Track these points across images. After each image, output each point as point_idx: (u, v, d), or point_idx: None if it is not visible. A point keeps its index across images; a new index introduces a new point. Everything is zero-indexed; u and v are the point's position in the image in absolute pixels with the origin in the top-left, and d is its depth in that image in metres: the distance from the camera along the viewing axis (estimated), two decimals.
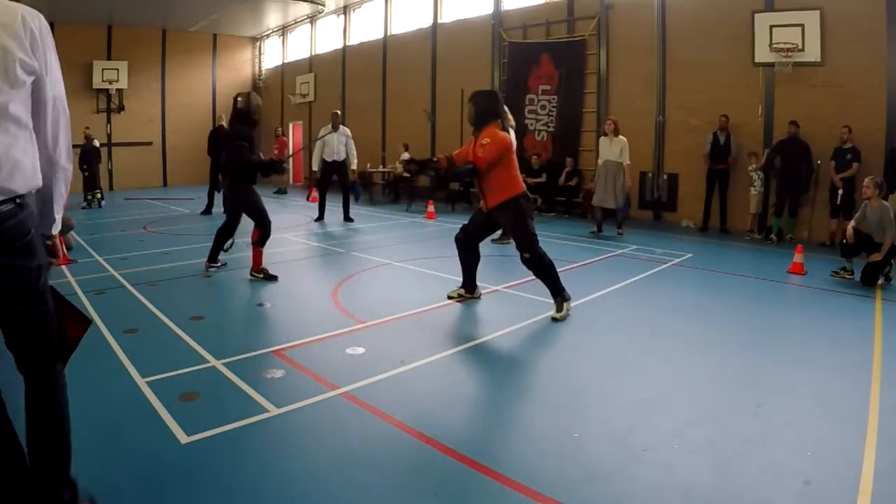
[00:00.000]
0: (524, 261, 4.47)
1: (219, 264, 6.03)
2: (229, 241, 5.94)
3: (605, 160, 8.21)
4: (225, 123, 11.07)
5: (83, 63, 16.10)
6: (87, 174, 11.99)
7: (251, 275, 5.64)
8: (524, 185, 4.57)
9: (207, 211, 10.87)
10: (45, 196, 1.80)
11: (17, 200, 1.63)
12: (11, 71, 1.54)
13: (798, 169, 8.16)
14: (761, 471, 2.36)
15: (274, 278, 5.58)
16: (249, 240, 5.68)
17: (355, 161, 10.18)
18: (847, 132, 7.72)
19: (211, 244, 6.01)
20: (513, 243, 7.67)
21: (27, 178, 1.64)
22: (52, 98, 1.70)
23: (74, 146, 11.63)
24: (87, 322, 2.00)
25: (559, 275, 4.50)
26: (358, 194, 9.48)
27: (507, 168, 4.47)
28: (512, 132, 7.73)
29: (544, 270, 4.46)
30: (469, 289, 4.88)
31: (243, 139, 5.44)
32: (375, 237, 8.42)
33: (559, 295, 4.45)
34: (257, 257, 5.65)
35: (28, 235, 1.66)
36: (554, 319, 4.34)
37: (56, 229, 1.88)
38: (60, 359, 1.89)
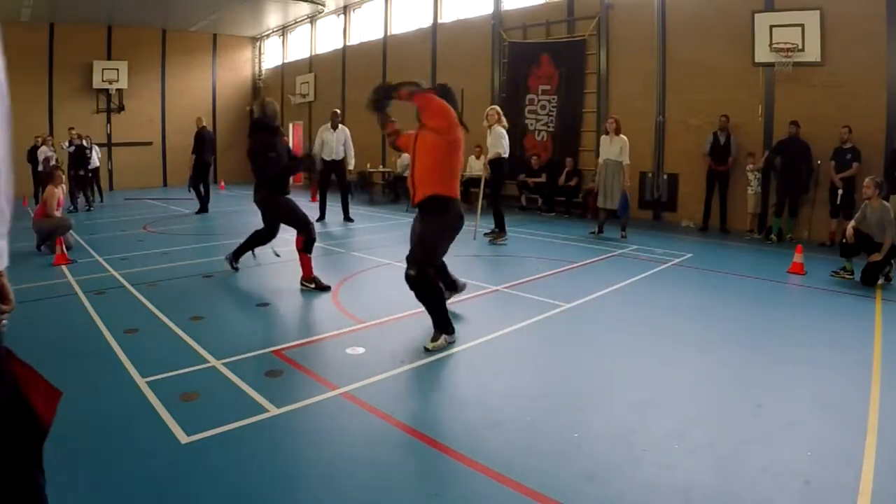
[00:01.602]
0: (407, 277, 3.82)
1: (237, 267, 5.86)
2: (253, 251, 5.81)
3: (605, 159, 8.19)
4: (206, 125, 11.19)
5: (83, 63, 16.09)
6: (83, 175, 11.97)
7: (302, 284, 5.30)
8: (459, 196, 3.96)
9: (203, 209, 10.89)
10: None
11: None
12: None
13: (798, 169, 8.16)
14: (761, 471, 2.36)
15: (327, 288, 5.21)
16: (294, 248, 5.39)
17: (352, 161, 10.16)
18: (847, 132, 7.72)
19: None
20: (506, 242, 7.28)
21: None
22: None
23: (70, 144, 11.85)
24: (58, 394, 1.46)
25: (447, 307, 3.95)
26: (352, 193, 9.46)
27: (447, 166, 3.84)
28: (505, 138, 7.60)
29: (429, 295, 3.85)
30: (450, 288, 4.59)
31: (270, 150, 5.18)
32: (375, 237, 8.42)
33: (440, 327, 3.86)
34: (306, 265, 5.31)
35: None
36: (426, 349, 3.76)
37: (1, 262, 1.25)
38: (34, 465, 1.31)
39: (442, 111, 3.76)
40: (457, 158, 3.90)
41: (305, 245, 5.29)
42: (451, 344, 3.85)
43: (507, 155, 7.79)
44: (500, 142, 7.65)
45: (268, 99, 5.63)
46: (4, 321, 1.34)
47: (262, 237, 5.71)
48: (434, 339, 3.82)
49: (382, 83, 4.05)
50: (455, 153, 3.86)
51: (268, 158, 5.18)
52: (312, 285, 5.26)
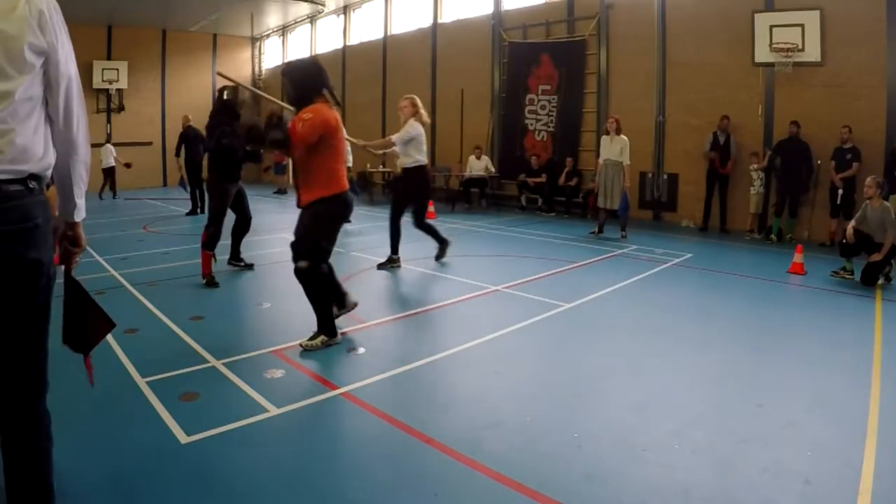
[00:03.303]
0: (295, 271, 3.73)
1: (242, 264, 5.95)
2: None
3: (606, 159, 8.18)
4: (193, 123, 11.00)
5: (83, 63, 15.94)
6: None
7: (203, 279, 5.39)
8: (346, 185, 3.75)
9: (193, 212, 10.83)
10: (63, 179, 1.70)
11: (30, 184, 1.54)
12: (17, 55, 1.49)
13: (798, 169, 8.17)
14: (761, 471, 2.36)
15: (216, 285, 5.27)
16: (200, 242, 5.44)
17: (351, 159, 10.00)
18: (847, 132, 7.73)
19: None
20: (397, 267, 6.05)
21: (38, 160, 1.57)
22: (64, 77, 1.61)
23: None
24: (111, 325, 2.01)
25: (332, 309, 3.82)
26: (357, 192, 9.32)
27: (328, 159, 3.60)
28: (415, 137, 5.83)
29: (315, 291, 3.71)
30: (339, 304, 4.09)
31: (220, 129, 5.31)
32: (375, 237, 8.40)
33: (322, 327, 3.72)
34: (203, 261, 5.33)
35: (30, 222, 1.53)
36: (301, 346, 3.68)
37: (79, 215, 1.77)
38: (42, 396, 1.68)
39: (315, 127, 3.50)
40: (337, 151, 3.68)
41: (207, 241, 5.33)
42: (327, 346, 3.69)
43: (424, 160, 6.02)
44: (409, 142, 5.88)
45: (242, 87, 5.72)
46: (77, 259, 1.87)
47: (241, 227, 5.79)
48: (311, 339, 3.69)
49: (256, 128, 3.59)
50: (335, 148, 3.65)
51: (212, 136, 5.32)
52: (204, 281, 5.31)
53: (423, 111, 5.95)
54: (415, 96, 6.09)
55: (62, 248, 1.81)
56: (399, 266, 6.11)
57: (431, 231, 6.28)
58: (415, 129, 5.84)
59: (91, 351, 1.96)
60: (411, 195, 6.11)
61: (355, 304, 4.17)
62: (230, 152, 5.38)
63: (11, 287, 1.53)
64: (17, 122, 1.50)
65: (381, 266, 6.07)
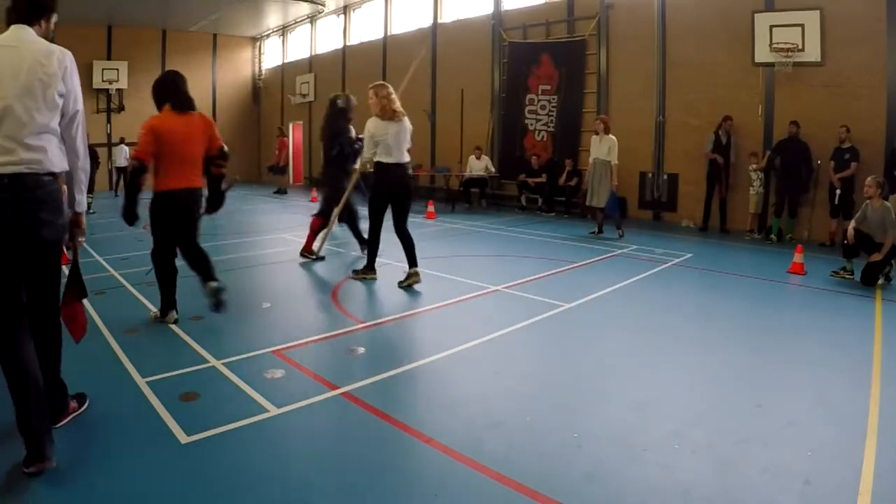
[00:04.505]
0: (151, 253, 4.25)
1: (315, 256, 6.54)
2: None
3: (594, 158, 8.27)
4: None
5: (83, 63, 15.93)
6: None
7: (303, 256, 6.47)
8: (176, 185, 3.96)
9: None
10: (69, 179, 2.50)
11: (57, 178, 2.36)
12: (50, 98, 2.27)
13: (798, 169, 8.17)
14: (761, 471, 2.36)
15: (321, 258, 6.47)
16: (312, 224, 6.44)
17: (359, 160, 9.87)
18: (845, 132, 7.73)
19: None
20: (374, 277, 5.58)
21: (58, 164, 2.36)
22: (73, 110, 2.40)
23: None
24: (83, 294, 2.93)
25: (174, 291, 4.21)
26: (365, 193, 9.15)
27: (158, 161, 3.93)
28: (373, 127, 5.15)
29: (159, 277, 4.19)
30: (166, 309, 4.26)
31: (346, 133, 6.33)
32: None
33: (164, 309, 4.18)
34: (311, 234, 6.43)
35: (59, 200, 2.37)
36: (154, 317, 4.23)
37: (80, 207, 2.60)
38: (58, 304, 2.58)
39: (144, 143, 3.91)
40: (169, 155, 3.93)
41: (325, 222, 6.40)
42: (161, 321, 4.17)
43: (384, 159, 5.18)
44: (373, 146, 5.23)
45: (351, 95, 6.56)
46: (81, 240, 2.75)
47: (351, 218, 6.56)
48: (157, 312, 4.25)
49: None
50: (165, 151, 3.92)
51: (348, 140, 6.29)
52: (313, 257, 6.43)
53: (386, 100, 5.12)
54: (378, 85, 5.26)
55: (69, 232, 2.58)
56: (374, 278, 5.65)
57: (364, 243, 5.80)
58: (371, 131, 5.19)
59: (62, 311, 2.69)
60: (372, 195, 5.49)
61: (174, 320, 4.26)
62: (349, 154, 6.36)
63: (51, 241, 2.36)
64: (49, 143, 2.31)
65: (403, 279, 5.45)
